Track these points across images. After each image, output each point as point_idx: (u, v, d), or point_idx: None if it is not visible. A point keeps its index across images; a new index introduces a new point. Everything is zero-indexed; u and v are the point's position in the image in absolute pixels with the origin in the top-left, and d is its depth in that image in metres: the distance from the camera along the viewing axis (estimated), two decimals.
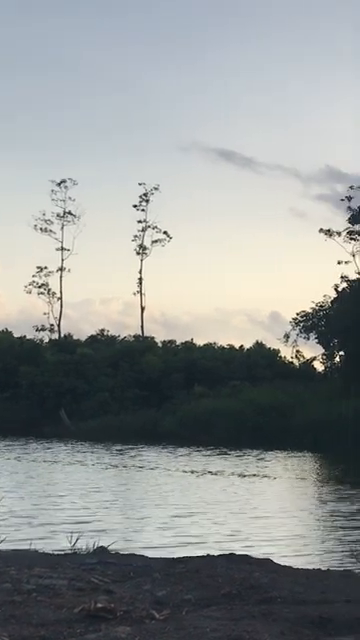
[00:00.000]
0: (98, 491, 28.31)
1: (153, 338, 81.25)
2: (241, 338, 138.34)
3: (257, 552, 14.08)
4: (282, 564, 11.22)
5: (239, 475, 35.16)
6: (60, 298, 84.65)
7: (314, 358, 69.66)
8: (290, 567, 10.96)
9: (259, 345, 76.78)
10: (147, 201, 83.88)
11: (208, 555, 11.56)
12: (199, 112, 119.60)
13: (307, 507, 25.64)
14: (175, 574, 9.37)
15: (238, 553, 11.71)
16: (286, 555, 15.66)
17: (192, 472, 36.08)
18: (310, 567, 11.30)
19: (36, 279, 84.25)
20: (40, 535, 17.92)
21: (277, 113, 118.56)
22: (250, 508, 24.63)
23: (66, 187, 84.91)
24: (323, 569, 11.13)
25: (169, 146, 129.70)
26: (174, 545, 17.01)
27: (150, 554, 12.57)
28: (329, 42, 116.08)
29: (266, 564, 10.69)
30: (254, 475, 35.10)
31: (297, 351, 68.81)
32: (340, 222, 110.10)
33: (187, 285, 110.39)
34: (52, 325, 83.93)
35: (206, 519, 22.10)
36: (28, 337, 79.48)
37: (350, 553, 13.46)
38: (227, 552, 11.93)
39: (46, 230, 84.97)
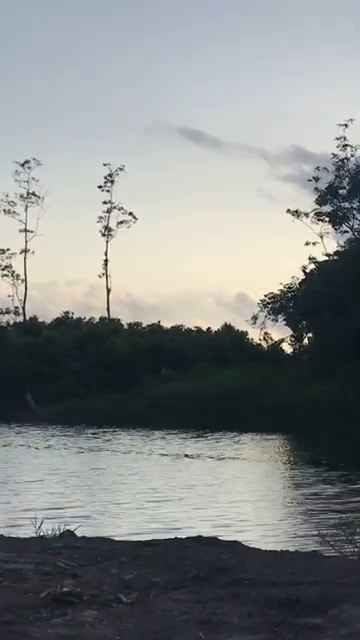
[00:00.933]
0: (73, 476, 28.25)
1: (119, 320, 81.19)
2: (209, 320, 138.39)
3: (227, 535, 14.13)
4: (251, 546, 11.27)
5: (213, 458, 35.29)
6: (24, 280, 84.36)
7: (282, 340, 70.02)
8: (259, 549, 11.02)
9: (227, 327, 77.00)
10: (112, 182, 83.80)
11: (176, 538, 11.58)
12: (164, 92, 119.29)
13: (278, 489, 25.81)
14: (142, 557, 9.37)
15: (206, 536, 11.74)
16: (255, 538, 15.73)
17: (168, 455, 36.15)
18: (279, 549, 11.35)
19: None
20: (9, 520, 17.85)
21: (244, 93, 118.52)
22: (223, 491, 24.73)
23: (30, 168, 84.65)
24: (292, 551, 11.19)
25: (134, 126, 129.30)
26: (145, 529, 17.01)
27: (120, 539, 12.57)
28: (297, 22, 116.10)
29: (235, 546, 10.73)
30: (228, 458, 35.21)
31: (265, 333, 69.12)
32: (307, 203, 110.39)
33: (153, 267, 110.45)
34: (17, 308, 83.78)
35: (178, 503, 22.15)
36: None
37: (318, 535, 13.56)
38: (196, 535, 11.95)
39: (9, 212, 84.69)
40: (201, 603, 7.24)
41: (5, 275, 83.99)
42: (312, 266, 64.96)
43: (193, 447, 40.55)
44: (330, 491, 24.42)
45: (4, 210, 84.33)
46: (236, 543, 11.12)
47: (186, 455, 36.31)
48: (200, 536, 11.61)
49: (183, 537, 11.60)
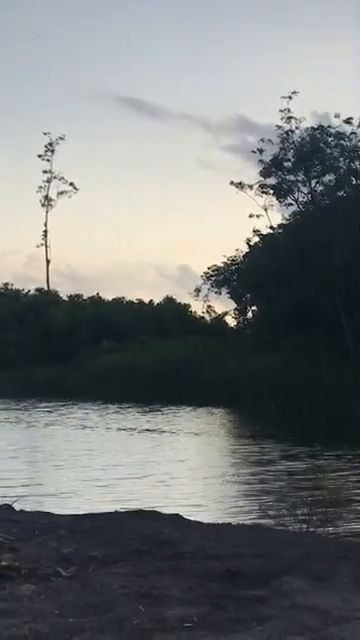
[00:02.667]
0: (22, 450, 28.08)
1: (58, 292, 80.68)
2: (151, 292, 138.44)
3: (169, 509, 14.15)
4: (193, 519, 11.30)
5: (155, 431, 35.36)
6: None
7: (226, 313, 70.33)
8: (201, 522, 11.06)
9: (169, 300, 77.06)
10: (52, 151, 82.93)
11: (116, 512, 11.56)
12: (105, 60, 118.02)
13: (221, 464, 25.93)
14: (82, 531, 9.34)
15: (148, 509, 11.75)
16: (199, 511, 15.81)
17: (110, 429, 36.15)
18: (220, 522, 11.41)
19: None
20: None
21: (187, 61, 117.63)
22: (164, 466, 24.76)
23: None
24: (234, 524, 11.26)
25: (75, 95, 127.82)
26: (89, 506, 16.93)
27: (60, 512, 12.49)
28: None
29: (176, 520, 10.76)
30: (170, 432, 35.22)
31: (208, 306, 69.33)
32: (251, 174, 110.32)
33: (94, 238, 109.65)
34: None
35: (123, 478, 22.13)
36: None
37: (259, 507, 13.69)
38: (136, 509, 11.96)
39: None
40: (141, 577, 7.25)
41: None
42: (256, 239, 65.18)
43: (135, 420, 40.56)
44: (274, 466, 24.64)
45: None
46: (178, 516, 11.14)
47: (122, 429, 36.32)
48: (141, 510, 11.62)
49: (123, 511, 11.59)
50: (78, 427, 37.06)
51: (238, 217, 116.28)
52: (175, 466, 24.74)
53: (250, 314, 68.38)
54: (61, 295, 79.70)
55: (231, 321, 70.67)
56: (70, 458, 26.50)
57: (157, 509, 12.14)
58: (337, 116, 61.44)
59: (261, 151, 62.60)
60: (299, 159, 61.27)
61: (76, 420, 40.39)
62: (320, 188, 62.51)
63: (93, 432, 35.25)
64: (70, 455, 27.21)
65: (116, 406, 48.67)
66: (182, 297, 77.30)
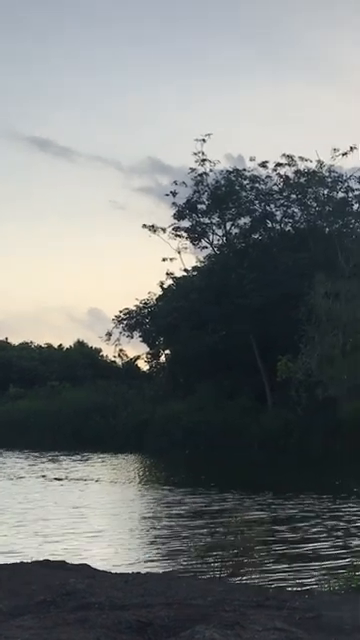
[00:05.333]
0: None
1: None
2: (60, 336, 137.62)
3: (76, 559, 13.95)
4: (100, 569, 11.18)
5: (63, 479, 34.99)
6: None
7: (138, 357, 70.23)
8: (109, 572, 10.95)
9: (79, 344, 76.75)
10: None
11: (22, 562, 11.37)
12: (11, 98, 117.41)
13: (131, 512, 25.74)
14: None
15: (54, 559, 11.58)
16: (107, 561, 15.62)
17: (13, 478, 35.59)
18: (130, 571, 11.30)
19: None
20: None
21: (97, 101, 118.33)
22: (72, 514, 24.49)
23: None
24: (143, 573, 11.17)
25: None
26: None
27: None
28: (154, 33, 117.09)
29: (83, 570, 10.64)
30: (79, 480, 34.92)
31: (120, 350, 69.09)
32: (162, 215, 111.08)
33: (2, 281, 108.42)
34: None
35: (26, 526, 21.78)
36: None
37: (170, 555, 13.58)
38: (43, 559, 11.77)
39: None
40: (47, 629, 7.12)
41: None
42: (170, 282, 65.50)
43: (42, 468, 40.04)
44: (186, 513, 24.59)
45: None
46: (85, 566, 11.03)
47: (29, 477, 35.84)
48: (47, 560, 11.46)
49: (29, 561, 11.39)
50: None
51: (151, 260, 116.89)
52: (83, 514, 24.44)
53: (163, 358, 68.52)
54: None
55: (143, 365, 70.71)
56: None
57: (64, 559, 11.95)
58: (252, 159, 62.53)
59: (174, 194, 63.08)
60: (214, 201, 61.97)
61: None
62: (235, 231, 63.37)
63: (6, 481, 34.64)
64: None
65: (23, 453, 47.98)
66: (93, 341, 77.10)
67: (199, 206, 62.96)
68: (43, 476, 35.96)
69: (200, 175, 62.27)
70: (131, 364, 71.03)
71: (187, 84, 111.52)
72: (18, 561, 11.99)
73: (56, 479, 35.18)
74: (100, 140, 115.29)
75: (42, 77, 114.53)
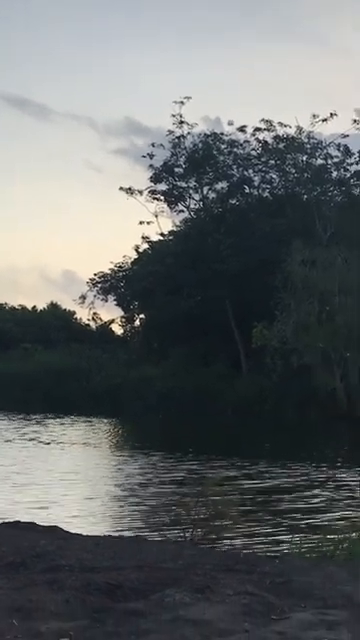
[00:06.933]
0: None
1: None
2: (34, 298, 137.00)
3: (48, 521, 13.95)
4: (71, 532, 11.17)
5: (34, 440, 34.99)
6: None
7: (112, 321, 70.16)
8: (79, 534, 10.94)
9: (53, 306, 76.54)
10: None
11: None
12: None
13: (105, 476, 25.80)
14: None
15: (24, 521, 11.56)
16: (77, 523, 15.66)
17: None
18: (101, 534, 11.31)
19: None
20: None
21: (75, 60, 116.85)
22: (42, 477, 24.48)
23: None
24: (114, 536, 11.18)
25: None
26: None
27: None
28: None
29: (54, 532, 10.62)
30: (51, 442, 34.92)
31: (94, 313, 68.97)
32: (139, 178, 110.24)
33: None
34: None
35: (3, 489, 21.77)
36: None
37: (141, 519, 13.65)
38: (13, 520, 11.76)
39: None
40: (16, 590, 7.09)
41: None
42: (145, 245, 65.30)
43: (16, 431, 40.00)
44: (158, 477, 24.66)
45: None
46: (55, 528, 11.00)
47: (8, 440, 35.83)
48: (18, 521, 11.44)
49: None
50: None
51: (127, 223, 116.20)
52: (56, 477, 24.46)
53: (138, 322, 68.48)
54: None
55: (118, 329, 70.66)
56: None
57: (35, 521, 11.94)
58: (230, 123, 62.31)
59: (151, 156, 62.70)
60: (191, 165, 61.68)
61: None
62: (212, 195, 63.18)
63: None
64: None
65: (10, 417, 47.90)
66: (67, 304, 76.80)
67: (176, 169, 62.68)
68: (11, 439, 35.89)
69: (178, 138, 61.94)
70: (105, 328, 70.96)
71: (167, 44, 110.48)
72: None
73: (30, 440, 35.20)
74: (77, 99, 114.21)
75: (20, 35, 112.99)
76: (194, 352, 55.45)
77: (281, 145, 60.44)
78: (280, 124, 60.41)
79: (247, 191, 62.77)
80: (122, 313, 67.46)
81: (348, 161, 60.18)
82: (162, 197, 63.34)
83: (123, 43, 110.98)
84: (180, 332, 56.77)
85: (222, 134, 62.02)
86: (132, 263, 65.49)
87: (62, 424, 44.46)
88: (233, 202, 62.97)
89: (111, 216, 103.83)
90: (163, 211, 64.24)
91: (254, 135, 61.08)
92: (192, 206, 63.99)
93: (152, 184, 63.03)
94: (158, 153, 62.48)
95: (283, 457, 29.14)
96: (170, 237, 64.83)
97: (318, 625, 6.40)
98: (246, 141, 61.42)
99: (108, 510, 19.18)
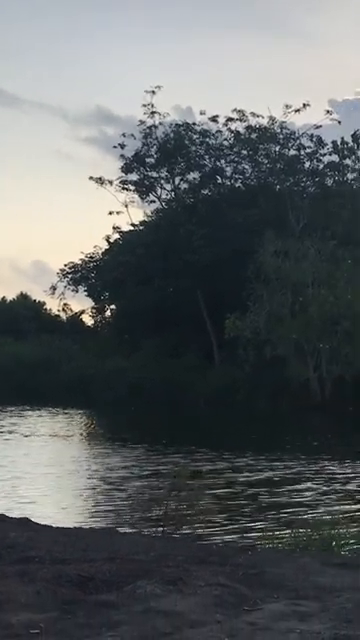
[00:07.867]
0: None
1: None
2: (3, 289, 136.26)
3: (18, 513, 13.91)
4: (42, 524, 11.14)
5: (4, 432, 34.87)
6: None
7: (83, 312, 70.00)
8: (50, 526, 10.92)
9: (23, 297, 76.28)
10: None
11: None
12: None
13: (71, 465, 25.76)
14: None
15: None
16: (48, 515, 15.60)
17: None
18: (72, 526, 11.29)
19: None
20: None
21: (45, 49, 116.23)
22: (13, 468, 24.39)
23: None
24: (86, 528, 11.16)
25: None
26: None
27: None
28: None
29: (24, 524, 10.60)
30: (20, 434, 34.80)
31: (64, 304, 68.76)
32: (109, 167, 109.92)
33: None
34: None
35: None
36: None
37: (113, 511, 13.63)
38: None
39: None
40: None
41: None
42: (116, 236, 65.15)
43: None
44: (130, 469, 24.65)
45: None
46: (26, 521, 10.97)
47: None
48: None
49: None
50: None
51: (97, 213, 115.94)
52: (27, 470, 24.37)
53: (108, 313, 68.40)
54: None
55: (88, 320, 70.53)
56: None
57: (4, 513, 11.89)
58: (202, 113, 62.26)
59: (122, 146, 62.49)
60: (163, 155, 61.54)
61: None
62: (184, 186, 63.10)
63: None
64: None
65: None
66: (37, 294, 76.54)
67: (147, 159, 62.52)
68: None
69: (149, 128, 61.76)
70: (76, 318, 70.79)
71: (137, 33, 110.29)
72: None
73: (9, 433, 35.08)
74: (46, 88, 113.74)
75: None
76: (165, 343, 55.44)
77: (253, 135, 60.45)
78: (252, 114, 60.50)
79: (219, 181, 62.76)
80: (93, 304, 67.43)
81: (321, 152, 60.24)
82: (133, 187, 63.21)
83: (93, 32, 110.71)
84: (151, 323, 56.74)
85: (194, 124, 62.02)
86: (103, 253, 65.39)
87: (32, 416, 44.26)
88: (205, 192, 62.92)
89: (82, 206, 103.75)
90: (133, 201, 64.19)
91: (226, 125, 61.14)
92: (164, 196, 63.97)
93: (123, 174, 62.89)
94: (129, 143, 62.35)
95: (257, 448, 29.21)
96: (141, 227, 64.73)
97: (290, 616, 6.42)
98: (218, 131, 61.45)
99: (79, 503, 19.14)
